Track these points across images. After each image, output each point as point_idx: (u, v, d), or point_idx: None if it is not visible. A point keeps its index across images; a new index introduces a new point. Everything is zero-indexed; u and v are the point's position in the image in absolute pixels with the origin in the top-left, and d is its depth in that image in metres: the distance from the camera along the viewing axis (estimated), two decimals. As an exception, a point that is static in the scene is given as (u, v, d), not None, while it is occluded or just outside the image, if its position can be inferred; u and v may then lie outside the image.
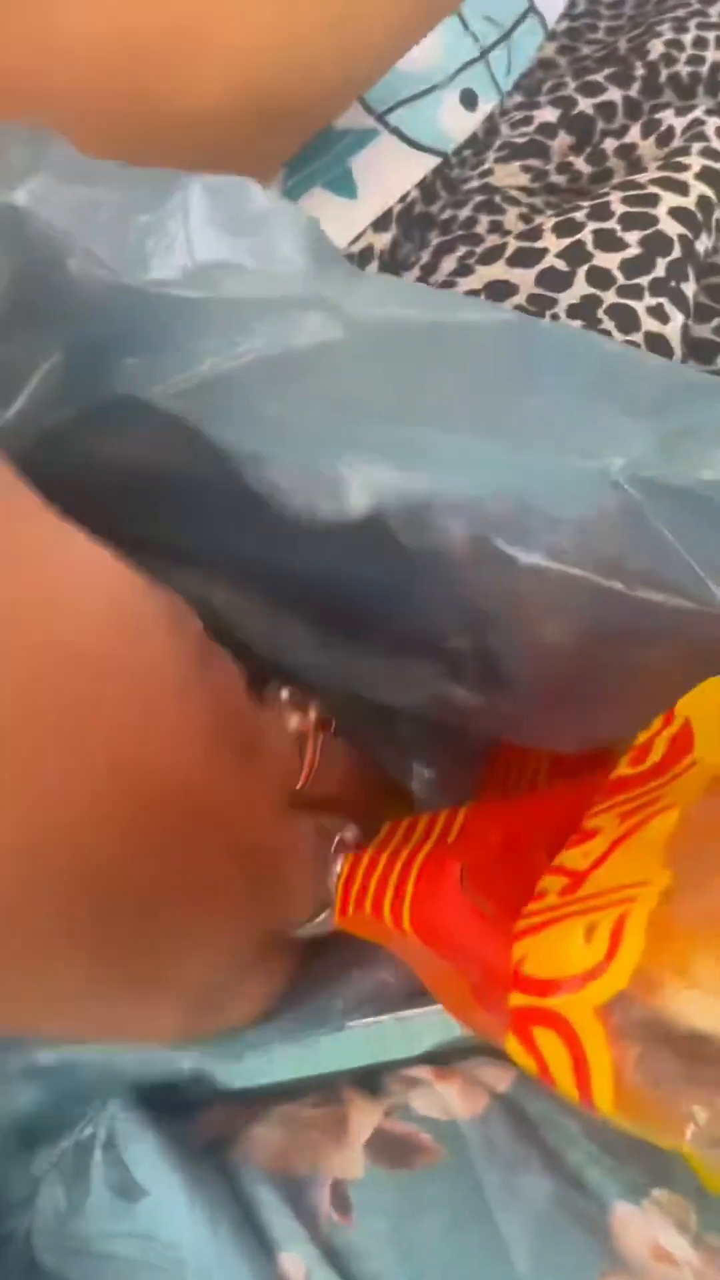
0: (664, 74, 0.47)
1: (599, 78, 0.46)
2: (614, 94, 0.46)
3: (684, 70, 0.47)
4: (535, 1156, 0.31)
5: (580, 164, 0.45)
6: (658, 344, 0.39)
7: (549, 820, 0.28)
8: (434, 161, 0.46)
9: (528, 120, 0.46)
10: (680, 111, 0.44)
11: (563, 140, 0.46)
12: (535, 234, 0.41)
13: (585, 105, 0.46)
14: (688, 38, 0.47)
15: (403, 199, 0.45)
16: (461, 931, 0.27)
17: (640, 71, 0.47)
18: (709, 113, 0.43)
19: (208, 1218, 0.30)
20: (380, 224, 0.44)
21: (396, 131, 0.45)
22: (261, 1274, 0.29)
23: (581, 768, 0.33)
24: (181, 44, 0.36)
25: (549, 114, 0.46)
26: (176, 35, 0.36)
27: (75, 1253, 0.30)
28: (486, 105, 0.47)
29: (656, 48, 0.47)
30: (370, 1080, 0.35)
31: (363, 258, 0.44)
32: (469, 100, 0.47)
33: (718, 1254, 0.29)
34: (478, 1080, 0.33)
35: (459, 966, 0.27)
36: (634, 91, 0.46)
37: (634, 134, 0.45)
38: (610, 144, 0.45)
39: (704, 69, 0.47)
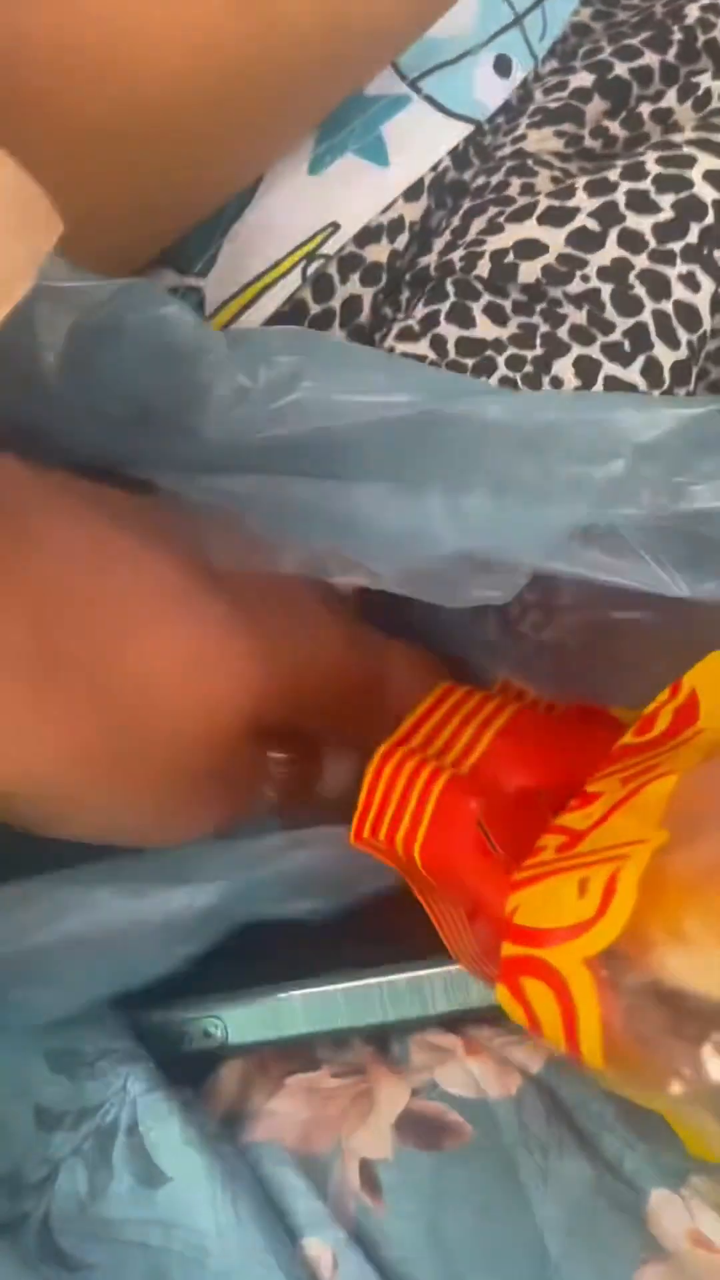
0: (701, 39, 0.46)
1: (635, 42, 0.45)
2: (650, 59, 0.45)
3: (722, 36, 0.46)
4: (570, 1140, 0.31)
5: (615, 128, 0.44)
6: (688, 313, 0.38)
7: (560, 777, 0.28)
8: (467, 129, 0.45)
9: (562, 85, 0.45)
10: (718, 75, 0.43)
11: (597, 105, 0.45)
12: (567, 193, 0.40)
13: (621, 70, 0.45)
14: (727, 1, 0.46)
15: (434, 167, 0.44)
16: (470, 872, 0.28)
17: (677, 36, 0.45)
18: None
19: (230, 1204, 0.29)
20: (411, 193, 0.43)
21: (429, 99, 0.44)
22: (286, 1261, 0.29)
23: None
24: (212, 6, 0.35)
25: (584, 79, 0.45)
26: None
27: (97, 1238, 0.29)
28: (521, 71, 0.46)
29: (693, 12, 0.46)
30: (391, 1045, 0.34)
31: (393, 229, 0.43)
32: (503, 67, 0.46)
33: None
34: (509, 1060, 0.32)
35: (463, 906, 0.28)
36: (671, 56, 0.45)
37: (670, 98, 0.44)
38: (646, 108, 0.44)
39: (743, 34, 0.46)
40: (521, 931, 0.25)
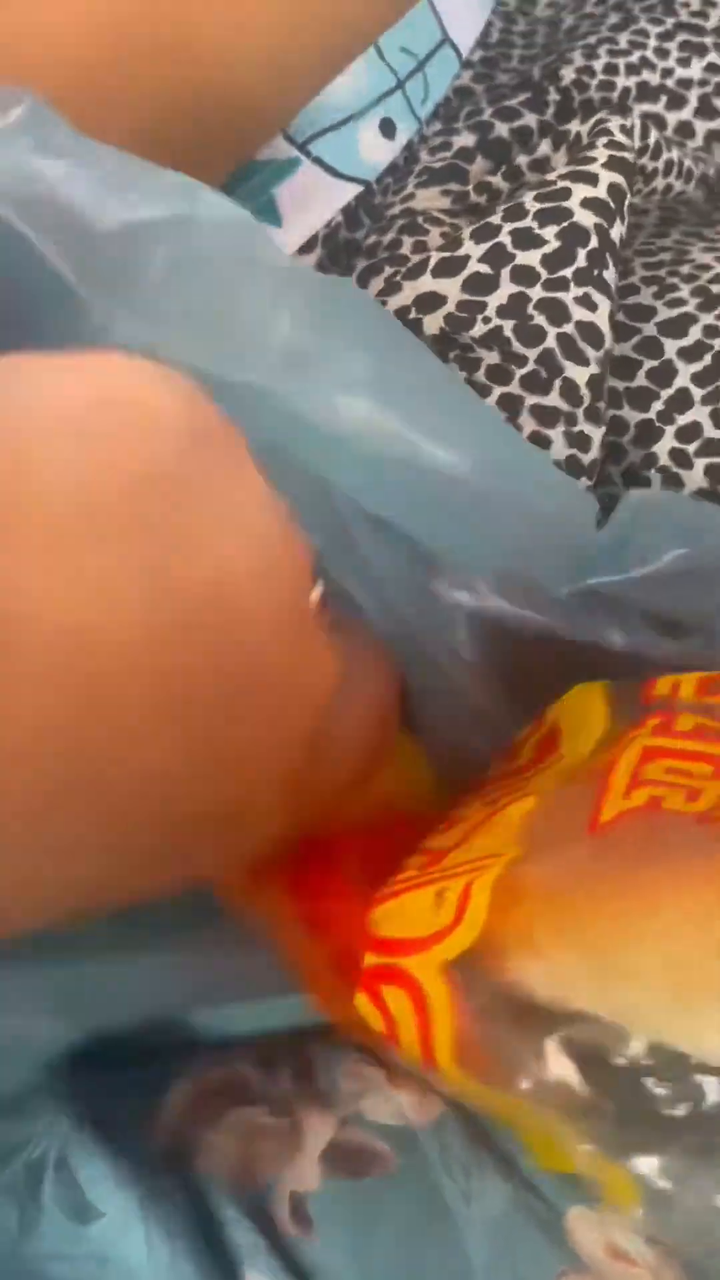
0: (577, 99, 0.48)
1: (514, 103, 0.47)
2: (529, 119, 0.47)
3: (596, 96, 0.48)
4: (490, 1162, 0.32)
5: (498, 182, 0.46)
6: (590, 331, 0.40)
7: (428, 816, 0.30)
8: (356, 189, 0.46)
9: (446, 145, 0.47)
10: (585, 120, 0.46)
11: (481, 164, 0.47)
12: (455, 243, 0.41)
13: (502, 130, 0.47)
14: (598, 64, 0.48)
15: (327, 224, 0.45)
16: (338, 907, 0.28)
17: (554, 97, 0.48)
18: (612, 114, 0.44)
19: (164, 1238, 0.30)
20: (305, 248, 0.45)
21: (318, 161, 0.46)
22: (218, 1294, 0.29)
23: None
24: (113, 74, 0.36)
25: (467, 139, 0.47)
26: (106, 66, 0.36)
27: (29, 1275, 0.29)
28: (405, 133, 0.48)
29: (569, 74, 0.48)
30: (318, 1078, 0.34)
31: (289, 282, 0.44)
32: (388, 129, 0.47)
33: (671, 1253, 0.30)
34: (430, 1088, 0.33)
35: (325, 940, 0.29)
36: (548, 116, 0.48)
37: (545, 148, 0.46)
38: (524, 159, 0.46)
39: (614, 94, 0.48)
40: (382, 942, 0.26)
